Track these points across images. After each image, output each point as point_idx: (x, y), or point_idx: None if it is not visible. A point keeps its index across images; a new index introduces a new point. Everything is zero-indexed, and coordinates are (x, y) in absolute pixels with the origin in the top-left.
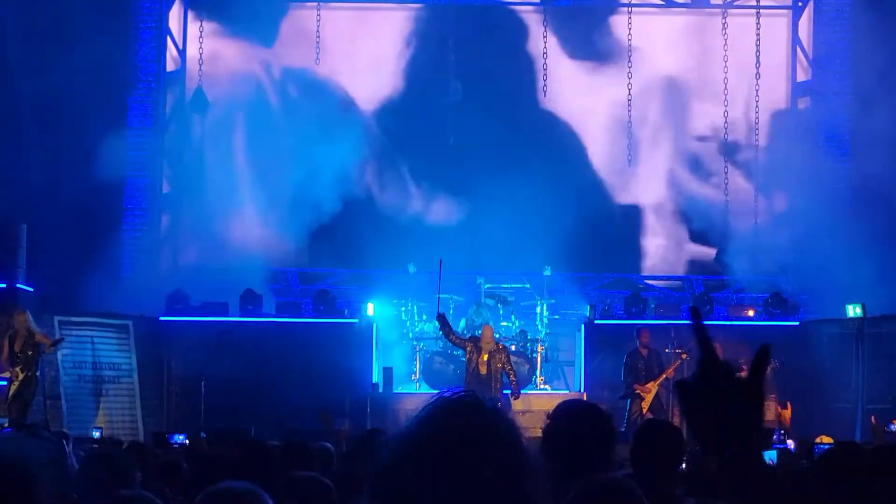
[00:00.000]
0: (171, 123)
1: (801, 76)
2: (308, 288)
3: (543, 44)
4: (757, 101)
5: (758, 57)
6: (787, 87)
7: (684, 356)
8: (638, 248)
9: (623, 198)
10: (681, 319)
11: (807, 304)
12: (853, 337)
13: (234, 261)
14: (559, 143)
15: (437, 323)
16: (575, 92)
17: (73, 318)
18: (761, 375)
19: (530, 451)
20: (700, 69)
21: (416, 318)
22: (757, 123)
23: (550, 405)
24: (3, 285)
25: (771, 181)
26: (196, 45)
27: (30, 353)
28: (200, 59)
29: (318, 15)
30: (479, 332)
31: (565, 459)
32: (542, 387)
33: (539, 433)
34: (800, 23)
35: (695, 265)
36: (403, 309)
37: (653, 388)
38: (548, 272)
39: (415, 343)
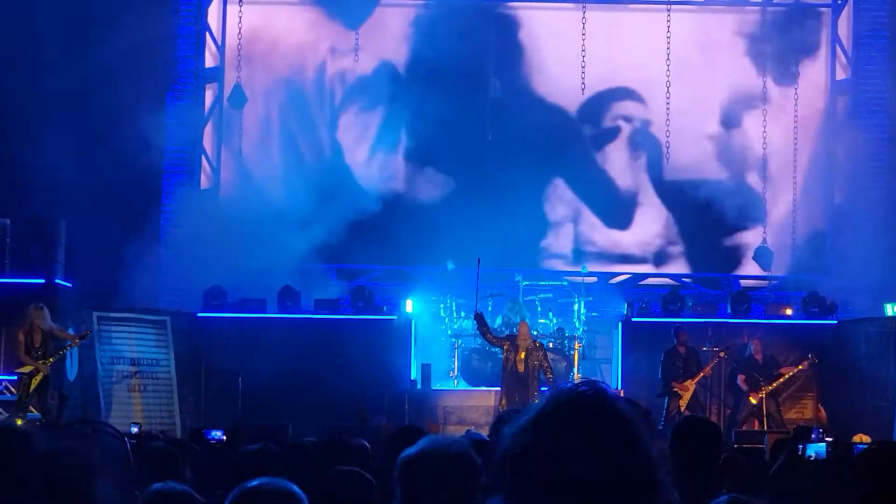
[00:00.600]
0: (210, 118)
1: (841, 74)
2: (347, 284)
3: (582, 40)
4: (796, 100)
5: (797, 56)
6: (826, 85)
7: (722, 354)
8: (677, 246)
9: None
10: (718, 318)
11: (845, 303)
12: (891, 335)
13: (273, 257)
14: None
15: (474, 321)
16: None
17: (112, 314)
18: None
19: (654, 441)
20: (734, 67)
21: (454, 315)
22: (796, 122)
23: None
24: (42, 281)
25: (809, 180)
26: (235, 40)
27: (48, 347)
28: (239, 55)
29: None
30: (517, 329)
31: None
32: None
33: None
34: (839, 20)
35: (733, 263)
36: (442, 306)
37: (690, 386)
38: (585, 270)
39: (453, 340)
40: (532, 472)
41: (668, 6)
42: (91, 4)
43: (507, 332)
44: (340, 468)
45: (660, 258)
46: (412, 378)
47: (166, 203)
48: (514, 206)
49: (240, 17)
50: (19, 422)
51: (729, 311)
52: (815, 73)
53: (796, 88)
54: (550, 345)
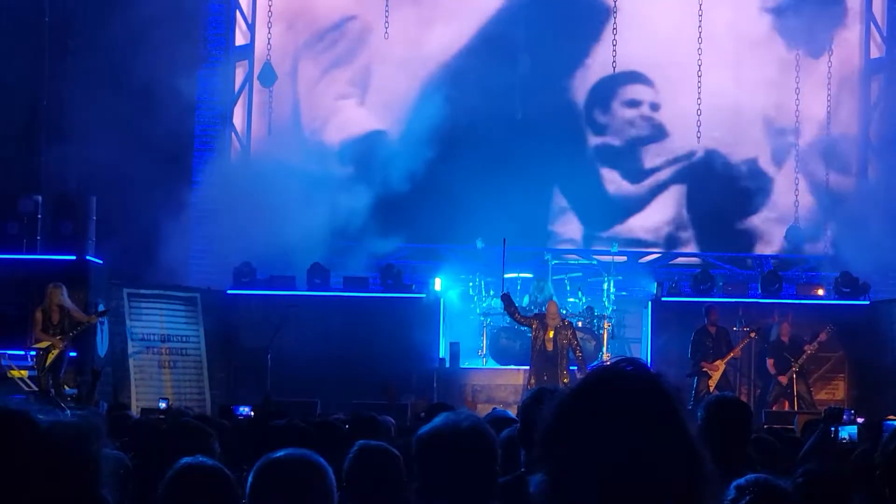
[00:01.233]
0: (240, 95)
1: (875, 53)
2: (376, 262)
3: (613, 20)
4: (829, 78)
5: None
6: (860, 63)
7: (753, 335)
8: (707, 226)
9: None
10: (749, 297)
11: (877, 283)
12: None
13: (302, 234)
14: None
15: (501, 301)
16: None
17: (142, 291)
18: None
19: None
20: (768, 49)
21: (483, 294)
22: (829, 101)
23: None
24: (73, 258)
25: (843, 159)
26: (265, 17)
27: (66, 325)
28: (269, 32)
29: None
30: (545, 308)
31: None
32: None
33: None
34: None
35: (763, 243)
36: (471, 284)
37: (720, 366)
38: (615, 248)
39: (482, 318)
40: (575, 450)
41: None
42: None
43: (536, 311)
44: (366, 443)
45: (678, 240)
46: (440, 356)
47: (197, 180)
48: (543, 184)
49: None
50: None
51: (759, 291)
52: (848, 51)
53: (829, 66)
54: (580, 324)
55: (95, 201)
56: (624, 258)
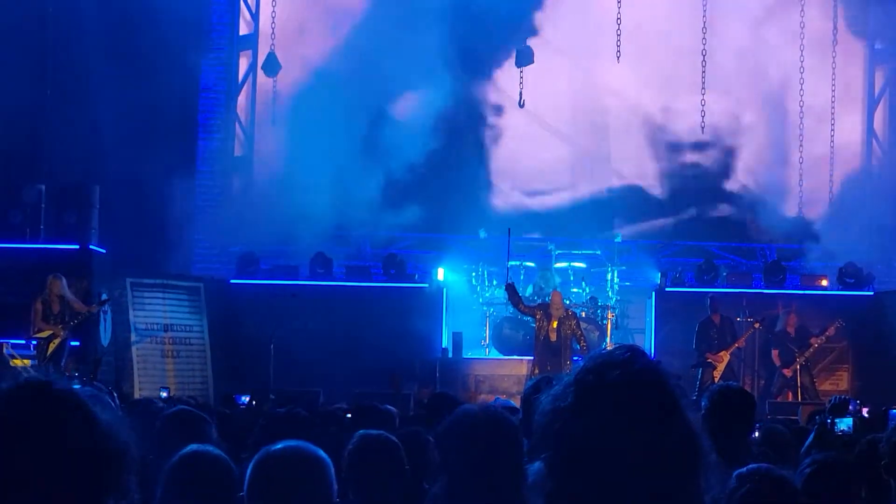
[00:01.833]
0: (244, 86)
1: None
2: (379, 252)
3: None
4: (833, 69)
5: (834, 23)
6: (864, 54)
7: (757, 325)
8: (708, 216)
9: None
10: (753, 288)
11: (881, 274)
12: None
13: (305, 224)
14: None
15: (505, 292)
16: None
17: (145, 280)
18: None
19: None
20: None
21: (486, 284)
22: (833, 94)
23: None
24: (77, 247)
25: (844, 149)
26: (269, 7)
27: (66, 315)
28: (273, 21)
29: None
30: (549, 298)
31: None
32: None
33: None
34: None
35: (767, 233)
36: (474, 274)
37: (725, 356)
38: (619, 239)
39: (485, 308)
40: (573, 438)
41: None
42: None
43: (539, 301)
44: (367, 432)
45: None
46: (443, 346)
47: (200, 169)
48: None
49: None
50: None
51: (763, 281)
52: (852, 42)
53: (834, 56)
54: (583, 314)
55: (99, 191)
56: (628, 248)
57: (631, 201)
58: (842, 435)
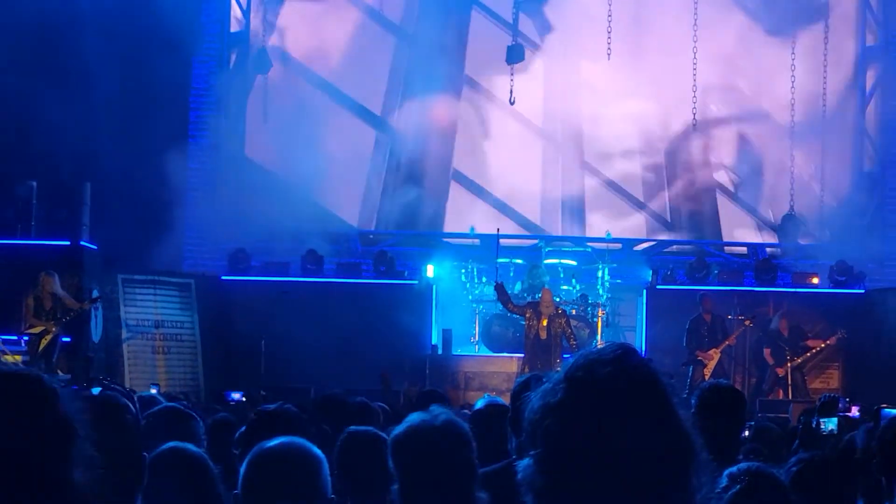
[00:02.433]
0: (235, 82)
1: (870, 40)
2: (369, 249)
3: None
4: (825, 66)
5: (826, 22)
6: (854, 52)
7: (748, 323)
8: (703, 214)
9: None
10: (744, 286)
11: (873, 272)
12: None
13: (297, 221)
14: None
15: (495, 291)
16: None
17: (137, 277)
18: None
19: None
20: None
21: (475, 281)
22: (825, 91)
23: None
24: (68, 243)
25: (835, 148)
26: (260, 4)
27: (58, 312)
28: (264, 18)
29: None
30: (539, 296)
31: None
32: None
33: None
34: None
35: (760, 231)
36: (463, 271)
37: (715, 354)
38: (609, 236)
39: (474, 306)
40: (563, 433)
41: None
42: None
43: (529, 299)
44: (356, 429)
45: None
46: (433, 343)
47: (192, 167)
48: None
49: None
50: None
51: (754, 279)
52: (843, 41)
53: (825, 54)
54: (574, 312)
55: (90, 187)
56: (619, 245)
57: (609, 200)
58: (829, 434)
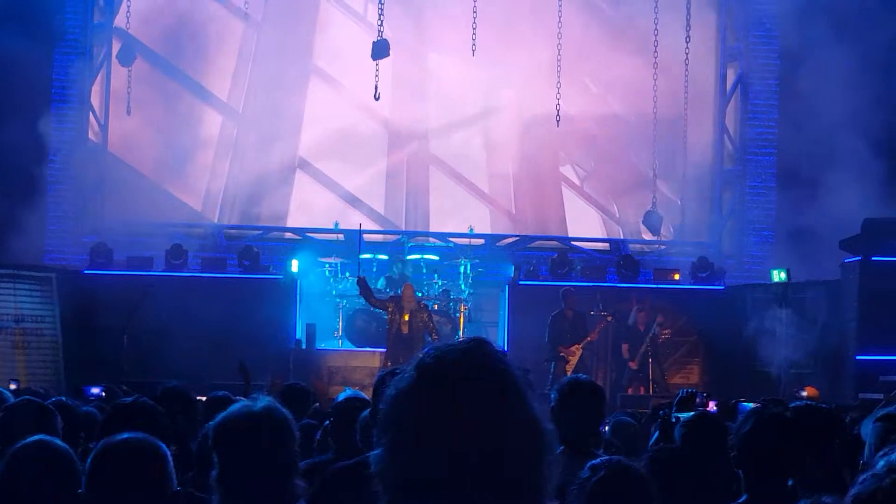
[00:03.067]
0: (98, 75)
1: (731, 40)
2: (233, 244)
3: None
4: (686, 64)
5: (688, 20)
6: (715, 51)
7: (609, 319)
8: (549, 209)
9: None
10: (607, 282)
11: (733, 268)
12: (777, 301)
13: (161, 215)
14: None
15: (357, 286)
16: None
17: None
18: None
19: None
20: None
21: (339, 275)
22: (686, 89)
23: None
24: None
25: (696, 146)
26: None
27: None
28: (128, 9)
29: None
30: (401, 290)
31: None
32: None
33: None
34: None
35: (623, 228)
36: (327, 266)
37: (577, 350)
38: (472, 231)
39: (338, 300)
40: (412, 420)
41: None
42: None
43: (391, 294)
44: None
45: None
46: (297, 337)
47: (53, 159)
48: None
49: None
50: None
51: (617, 275)
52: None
53: (687, 54)
54: (436, 307)
55: None
56: (481, 241)
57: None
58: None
